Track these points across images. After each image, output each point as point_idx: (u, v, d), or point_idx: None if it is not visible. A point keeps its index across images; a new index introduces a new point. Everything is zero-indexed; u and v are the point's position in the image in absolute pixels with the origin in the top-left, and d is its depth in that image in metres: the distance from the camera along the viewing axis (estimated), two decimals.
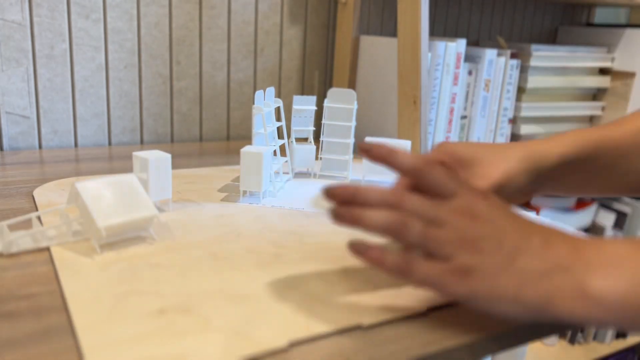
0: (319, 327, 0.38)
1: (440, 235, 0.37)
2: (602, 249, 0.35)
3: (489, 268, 0.36)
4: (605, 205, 1.29)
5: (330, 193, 0.39)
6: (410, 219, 0.37)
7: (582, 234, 0.38)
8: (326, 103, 0.75)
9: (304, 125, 0.77)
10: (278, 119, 0.74)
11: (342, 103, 0.75)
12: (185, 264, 0.47)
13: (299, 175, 0.78)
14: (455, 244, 0.36)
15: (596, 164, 0.50)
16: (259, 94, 0.67)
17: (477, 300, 0.36)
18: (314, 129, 0.77)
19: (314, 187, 0.72)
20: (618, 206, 1.27)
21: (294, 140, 0.76)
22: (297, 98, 0.75)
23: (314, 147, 0.77)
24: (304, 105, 0.76)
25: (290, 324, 0.38)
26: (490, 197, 0.40)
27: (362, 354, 0.36)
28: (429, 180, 0.39)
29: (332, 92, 0.75)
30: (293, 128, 0.76)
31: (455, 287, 0.36)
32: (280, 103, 0.72)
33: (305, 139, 0.77)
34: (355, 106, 0.75)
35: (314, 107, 0.76)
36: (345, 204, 0.39)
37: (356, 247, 0.39)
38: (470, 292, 0.36)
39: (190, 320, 0.38)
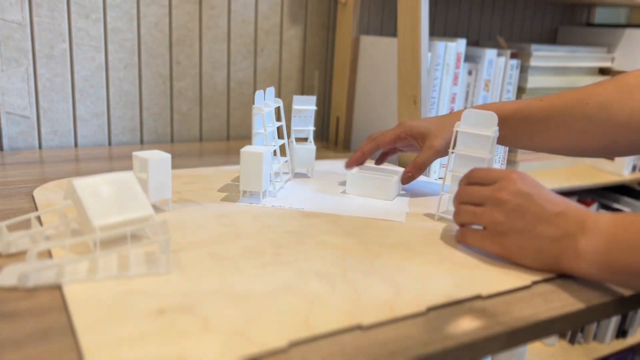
0: (319, 327, 0.38)
1: (478, 212, 0.51)
2: (597, 220, 0.46)
3: (514, 231, 0.48)
4: (605, 205, 1.29)
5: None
6: (461, 207, 0.53)
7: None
8: (459, 127, 0.62)
9: (304, 125, 0.76)
10: (278, 119, 0.74)
11: (478, 128, 0.61)
12: (185, 264, 0.47)
13: (299, 175, 0.78)
14: (490, 216, 0.50)
15: (518, 125, 0.64)
16: (259, 94, 0.67)
17: (509, 255, 0.49)
18: (314, 128, 0.77)
19: (314, 187, 0.72)
20: (618, 206, 1.27)
21: (294, 140, 0.76)
22: (297, 98, 0.75)
23: (314, 147, 0.76)
24: (304, 105, 0.75)
25: (290, 324, 0.38)
26: (525, 178, 0.51)
27: (362, 354, 0.36)
28: (476, 176, 0.54)
29: (468, 113, 0.61)
30: (293, 128, 0.76)
31: (491, 247, 0.51)
32: (280, 103, 0.72)
33: (305, 139, 0.77)
34: (495, 134, 0.60)
35: (314, 107, 0.76)
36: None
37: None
38: (501, 250, 0.50)
39: (190, 320, 0.38)
